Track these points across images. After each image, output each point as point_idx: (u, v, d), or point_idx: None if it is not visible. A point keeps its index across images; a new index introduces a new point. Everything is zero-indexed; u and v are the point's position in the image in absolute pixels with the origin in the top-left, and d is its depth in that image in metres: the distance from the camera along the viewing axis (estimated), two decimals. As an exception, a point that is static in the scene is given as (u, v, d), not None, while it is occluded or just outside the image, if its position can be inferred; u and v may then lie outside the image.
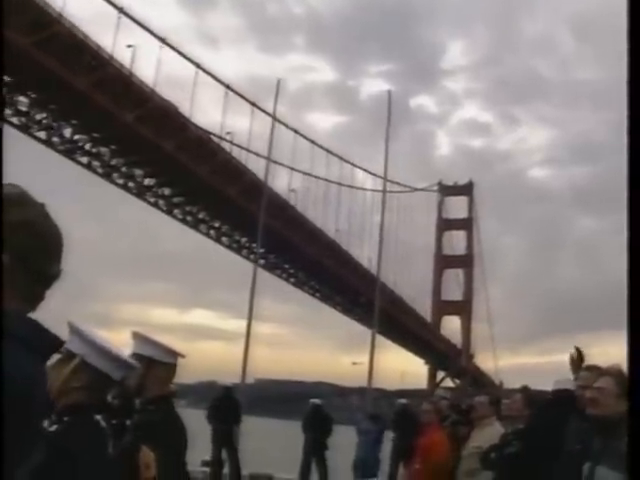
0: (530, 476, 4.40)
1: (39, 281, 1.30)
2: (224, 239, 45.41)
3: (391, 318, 57.20)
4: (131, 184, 38.47)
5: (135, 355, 3.13)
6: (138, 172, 38.45)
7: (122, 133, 32.79)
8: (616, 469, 3.33)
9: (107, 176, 37.37)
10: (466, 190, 76.79)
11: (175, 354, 3.32)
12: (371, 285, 55.19)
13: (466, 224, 76.62)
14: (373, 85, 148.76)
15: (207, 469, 12.76)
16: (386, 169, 22.75)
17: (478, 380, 72.11)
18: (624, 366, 3.39)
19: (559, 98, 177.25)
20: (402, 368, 80.00)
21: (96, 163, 36.67)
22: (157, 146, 33.56)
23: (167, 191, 40.52)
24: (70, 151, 35.43)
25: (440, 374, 75.79)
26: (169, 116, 34.28)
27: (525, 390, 5.60)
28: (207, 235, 44.31)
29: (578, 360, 4.62)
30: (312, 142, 47.14)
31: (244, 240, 45.95)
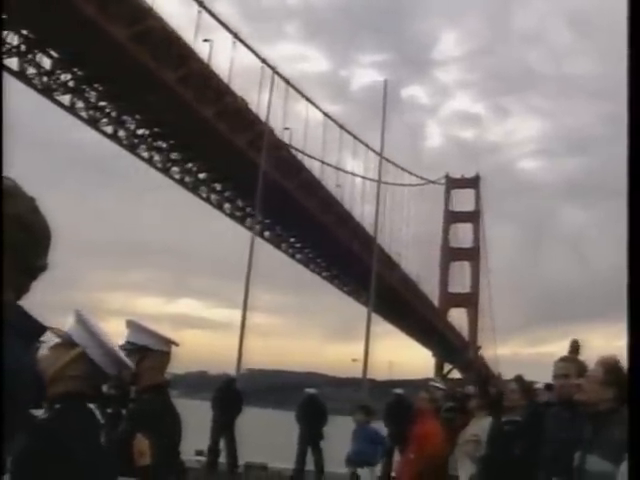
0: (530, 469, 4.47)
1: (26, 273, 1.34)
2: (266, 233, 45.14)
3: (408, 306, 57.80)
4: (188, 179, 37.88)
5: (129, 343, 3.12)
6: (193, 167, 37.94)
7: (192, 129, 32.20)
8: (606, 458, 3.42)
9: (166, 171, 36.73)
10: (473, 183, 77.44)
11: (169, 342, 3.28)
12: (403, 283, 55.58)
13: (473, 217, 77.27)
14: (365, 75, 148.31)
15: (202, 458, 12.94)
16: (381, 158, 24.61)
17: (484, 373, 73.02)
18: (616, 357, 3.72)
19: (551, 90, 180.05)
20: (390, 358, 79.94)
21: (157, 158, 36.03)
22: (229, 141, 33.06)
23: (219, 186, 40.04)
24: (133, 145, 34.71)
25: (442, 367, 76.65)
26: (242, 112, 33.74)
27: (519, 380, 5.63)
28: (250, 229, 43.85)
29: (575, 351, 4.77)
30: (355, 138, 46.86)
31: (285, 234, 46.13)
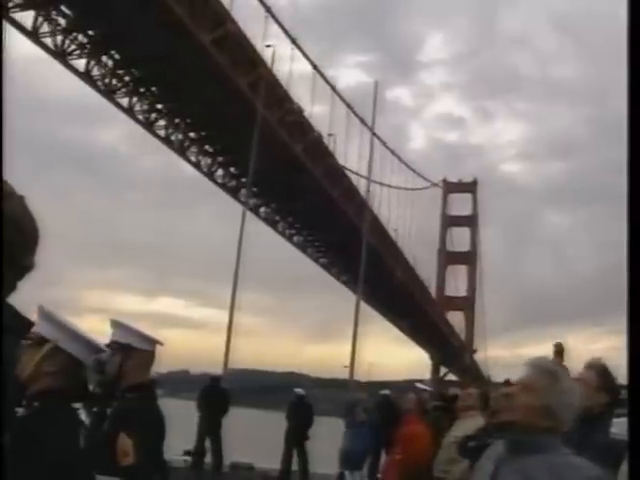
0: None
1: (14, 271, 1.35)
2: (295, 238, 44.90)
3: (418, 308, 58.00)
4: (231, 183, 37.32)
5: (113, 342, 3.14)
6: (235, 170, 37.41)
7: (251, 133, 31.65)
8: (595, 461, 3.59)
9: (210, 175, 36.12)
10: (470, 188, 78.04)
11: (154, 341, 3.29)
12: (415, 285, 55.59)
13: (470, 221, 77.87)
14: (350, 75, 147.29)
15: (188, 458, 12.95)
16: (371, 158, 26.10)
17: (478, 376, 73.61)
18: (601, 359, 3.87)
19: (535, 94, 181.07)
20: (369, 360, 79.79)
21: (203, 162, 35.42)
22: (287, 146, 32.67)
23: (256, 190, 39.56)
24: (184, 149, 34.03)
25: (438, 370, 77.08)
26: (299, 117, 33.41)
27: (508, 384, 5.62)
28: (282, 234, 43.58)
29: (559, 354, 4.95)
30: (385, 146, 46.69)
31: (310, 238, 45.94)
